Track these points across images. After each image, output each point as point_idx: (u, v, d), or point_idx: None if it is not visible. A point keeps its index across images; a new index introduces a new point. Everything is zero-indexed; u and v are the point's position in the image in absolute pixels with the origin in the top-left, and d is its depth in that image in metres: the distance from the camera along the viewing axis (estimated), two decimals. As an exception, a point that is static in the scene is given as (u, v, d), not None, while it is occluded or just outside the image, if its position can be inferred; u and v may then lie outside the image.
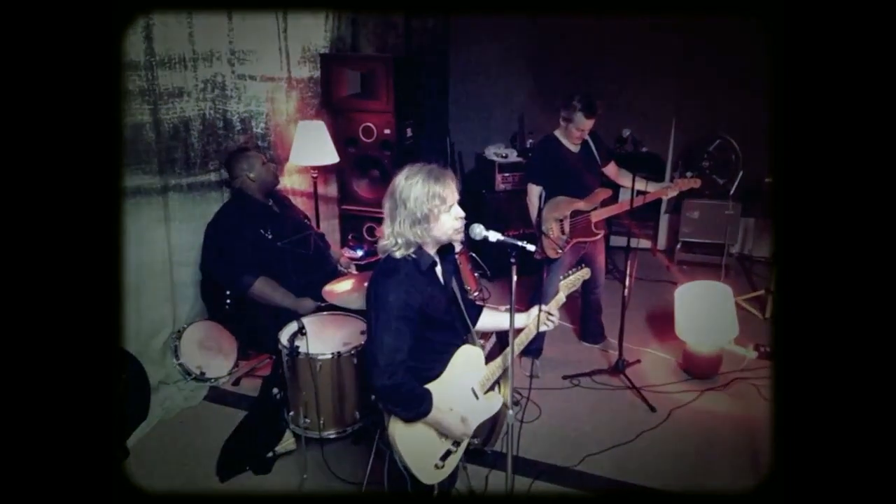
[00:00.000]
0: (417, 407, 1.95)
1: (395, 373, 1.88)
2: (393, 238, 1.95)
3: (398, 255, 1.94)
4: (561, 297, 2.40)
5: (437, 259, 2.04)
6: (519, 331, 2.20)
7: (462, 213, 1.98)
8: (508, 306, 2.05)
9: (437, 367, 2.07)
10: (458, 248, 3.60)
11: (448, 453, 2.12)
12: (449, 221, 1.95)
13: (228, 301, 3.62)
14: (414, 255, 1.96)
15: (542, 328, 2.26)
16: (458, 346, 2.13)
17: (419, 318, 1.94)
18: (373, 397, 2.97)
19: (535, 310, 2.29)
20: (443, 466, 2.11)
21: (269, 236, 3.59)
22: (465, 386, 2.15)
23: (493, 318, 2.37)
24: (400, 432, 1.99)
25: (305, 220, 3.96)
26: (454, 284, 2.16)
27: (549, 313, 2.26)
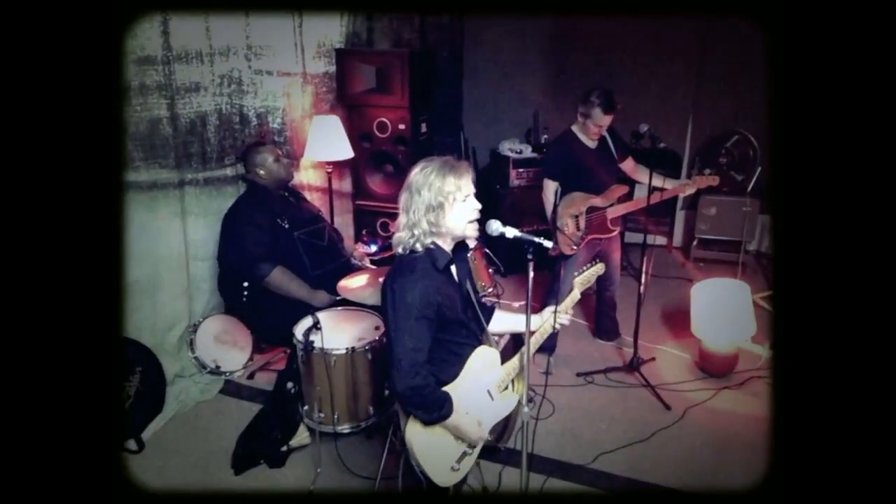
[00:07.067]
0: (439, 409, 1.93)
1: (417, 374, 1.86)
2: (408, 230, 1.93)
3: (418, 246, 1.92)
4: (576, 295, 2.39)
5: (453, 257, 2.03)
6: (533, 332, 2.18)
7: (478, 206, 1.97)
8: (521, 303, 2.04)
9: (453, 370, 2.04)
10: (472, 244, 3.62)
11: (464, 455, 2.10)
12: (464, 213, 1.94)
13: (246, 293, 3.64)
14: (432, 247, 1.94)
15: (557, 326, 2.26)
16: (473, 348, 2.11)
17: (438, 318, 1.92)
18: (386, 392, 3.00)
19: (547, 311, 2.28)
20: (458, 469, 2.09)
21: (286, 226, 3.62)
22: (481, 388, 2.13)
23: (504, 321, 2.35)
24: (417, 436, 1.97)
25: (319, 213, 3.98)
26: (468, 285, 2.14)
27: (564, 312, 2.25)
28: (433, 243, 1.95)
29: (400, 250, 1.97)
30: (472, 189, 1.95)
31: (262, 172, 3.62)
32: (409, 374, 1.85)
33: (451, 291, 2.00)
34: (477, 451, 2.16)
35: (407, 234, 1.93)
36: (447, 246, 2.00)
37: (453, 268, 2.05)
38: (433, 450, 2.02)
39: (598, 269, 2.48)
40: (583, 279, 2.42)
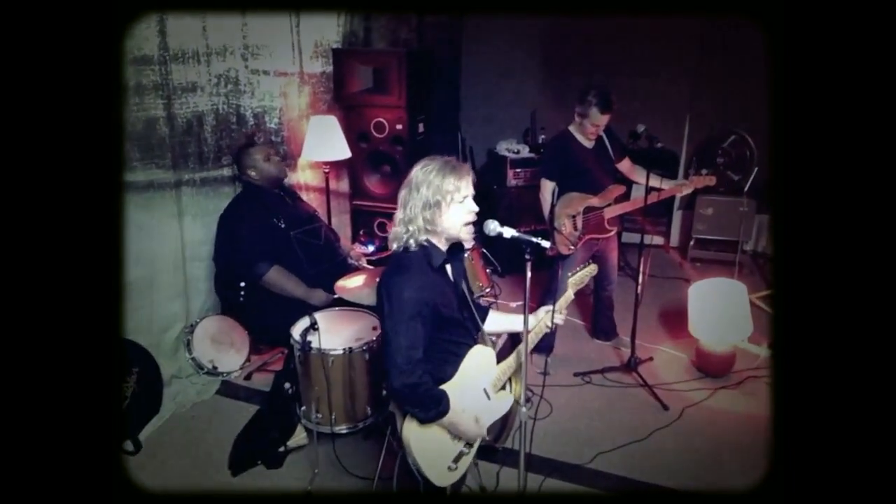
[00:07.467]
0: (436, 407, 1.93)
1: (413, 372, 1.86)
2: (403, 225, 1.94)
3: (412, 243, 1.93)
4: (569, 295, 2.40)
5: (448, 257, 2.03)
6: (528, 331, 2.19)
7: (476, 208, 1.97)
8: (518, 303, 2.04)
9: (450, 369, 2.05)
10: (469, 244, 3.62)
11: (461, 455, 2.10)
12: (461, 214, 1.94)
13: (242, 293, 3.64)
14: (426, 245, 1.95)
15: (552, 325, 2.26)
16: (469, 347, 2.11)
17: (433, 316, 1.92)
18: (384, 392, 2.99)
19: (542, 310, 2.29)
20: (456, 468, 2.09)
21: (282, 225, 3.62)
22: (477, 387, 2.13)
23: (499, 320, 2.36)
24: (414, 435, 1.97)
25: (315, 213, 3.99)
26: (463, 285, 2.15)
27: (558, 312, 2.26)
28: (428, 241, 1.96)
29: (395, 246, 1.99)
30: (470, 191, 1.96)
31: (253, 174, 3.64)
32: (404, 372, 1.86)
33: (446, 290, 2.01)
34: (474, 450, 2.16)
35: (402, 229, 1.95)
36: (442, 245, 2.00)
37: (448, 267, 2.06)
38: (430, 449, 2.02)
39: (592, 269, 2.50)
40: (576, 280, 2.43)
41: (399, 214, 1.97)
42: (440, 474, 2.05)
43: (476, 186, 2.00)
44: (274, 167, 3.70)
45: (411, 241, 1.94)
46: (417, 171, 1.94)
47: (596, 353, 4.00)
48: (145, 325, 3.49)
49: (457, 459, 2.09)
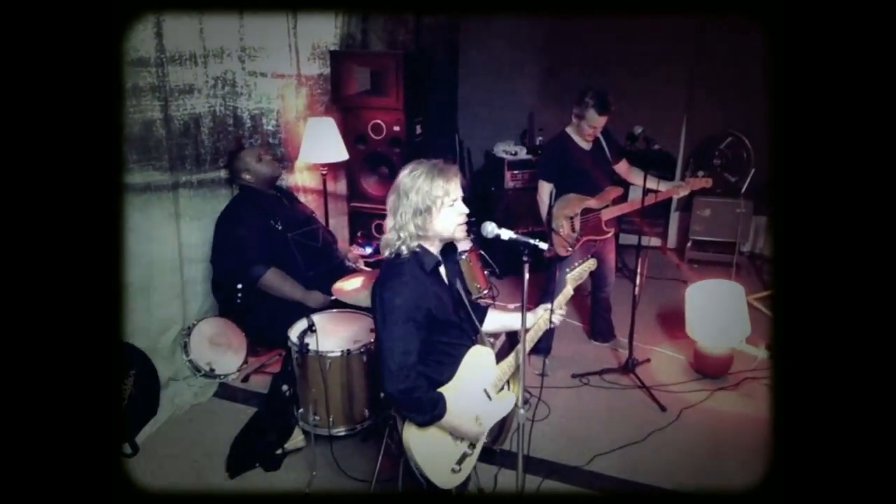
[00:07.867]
0: (432, 410, 1.93)
1: (407, 377, 1.86)
2: (395, 232, 1.93)
3: (404, 249, 1.93)
4: (568, 291, 2.39)
5: (441, 259, 2.03)
6: (527, 330, 2.19)
7: (466, 210, 1.97)
8: (516, 305, 2.03)
9: (448, 371, 2.04)
10: (467, 245, 3.62)
11: (464, 457, 2.10)
12: (451, 216, 1.94)
13: (240, 295, 3.63)
14: (418, 250, 1.94)
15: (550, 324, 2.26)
16: (467, 348, 2.10)
17: (427, 321, 1.92)
18: (381, 395, 2.99)
19: (541, 308, 2.29)
20: (459, 470, 2.09)
21: (279, 227, 3.62)
22: (477, 388, 2.13)
23: (497, 319, 2.36)
24: (415, 439, 1.97)
25: (312, 215, 3.98)
26: (458, 286, 2.14)
27: (557, 309, 2.26)
28: (419, 246, 1.95)
29: (387, 253, 1.98)
30: (459, 193, 1.96)
31: (247, 176, 3.66)
32: (398, 377, 1.86)
33: (440, 293, 2.00)
34: (477, 452, 2.16)
35: (394, 236, 1.94)
36: (435, 248, 2.00)
37: (442, 269, 2.06)
38: (432, 452, 2.01)
39: (590, 264, 2.48)
40: (574, 275, 2.42)
41: (389, 222, 1.96)
42: (444, 477, 2.05)
43: (472, 188, 2.00)
44: (266, 167, 3.70)
45: (403, 248, 1.93)
46: (405, 177, 1.92)
47: (594, 354, 3.99)
48: (142, 327, 3.48)
49: (460, 461, 2.09)
